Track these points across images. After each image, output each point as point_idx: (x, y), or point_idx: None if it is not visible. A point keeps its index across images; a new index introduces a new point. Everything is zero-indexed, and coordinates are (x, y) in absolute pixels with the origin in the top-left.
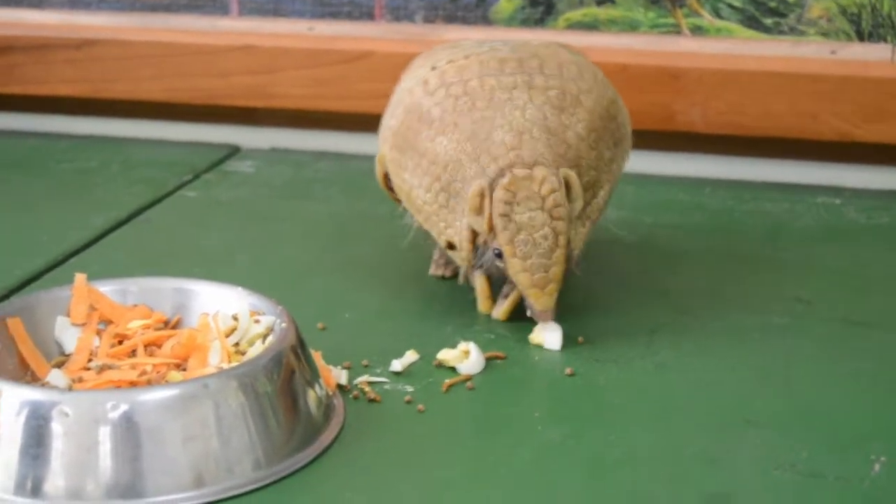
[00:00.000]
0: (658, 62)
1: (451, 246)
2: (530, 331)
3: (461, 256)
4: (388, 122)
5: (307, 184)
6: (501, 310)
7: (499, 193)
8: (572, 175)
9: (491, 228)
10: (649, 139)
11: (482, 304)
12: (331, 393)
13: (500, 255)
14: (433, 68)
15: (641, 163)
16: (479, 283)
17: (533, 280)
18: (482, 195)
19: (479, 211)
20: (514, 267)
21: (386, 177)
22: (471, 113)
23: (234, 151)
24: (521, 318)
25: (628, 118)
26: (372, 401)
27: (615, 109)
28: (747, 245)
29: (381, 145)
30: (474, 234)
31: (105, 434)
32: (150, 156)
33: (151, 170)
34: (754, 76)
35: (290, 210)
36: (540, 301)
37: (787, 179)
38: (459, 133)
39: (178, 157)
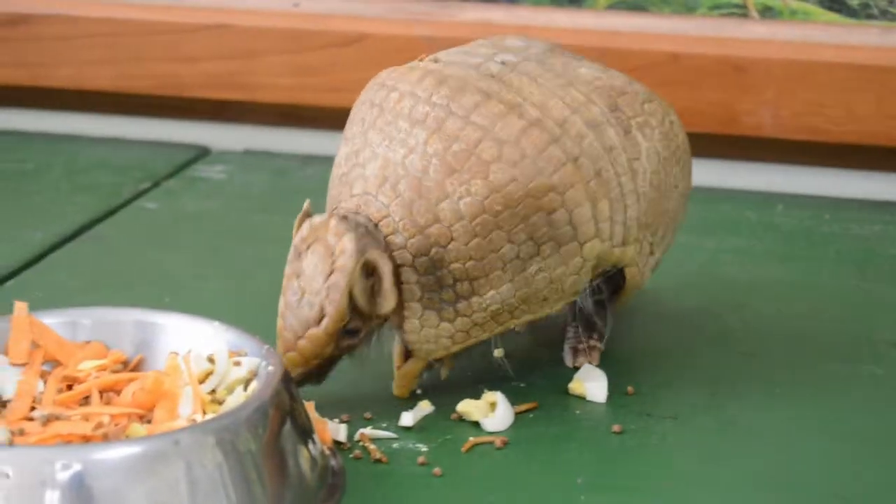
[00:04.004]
0: (719, 51)
1: None
2: (569, 378)
3: None
4: None
5: (291, 194)
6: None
7: (304, 227)
8: (382, 266)
9: None
10: (708, 145)
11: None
12: (327, 452)
13: None
14: (413, 65)
15: (698, 174)
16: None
17: (281, 333)
18: (303, 217)
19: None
20: (280, 305)
21: None
22: (368, 130)
23: (202, 153)
24: (558, 363)
25: (593, 217)
26: (377, 461)
27: (551, 201)
28: (829, 275)
29: None
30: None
31: (53, 499)
32: (99, 158)
33: (102, 175)
34: (836, 69)
35: (271, 226)
36: (283, 357)
37: (879, 195)
38: (351, 147)
39: (134, 160)
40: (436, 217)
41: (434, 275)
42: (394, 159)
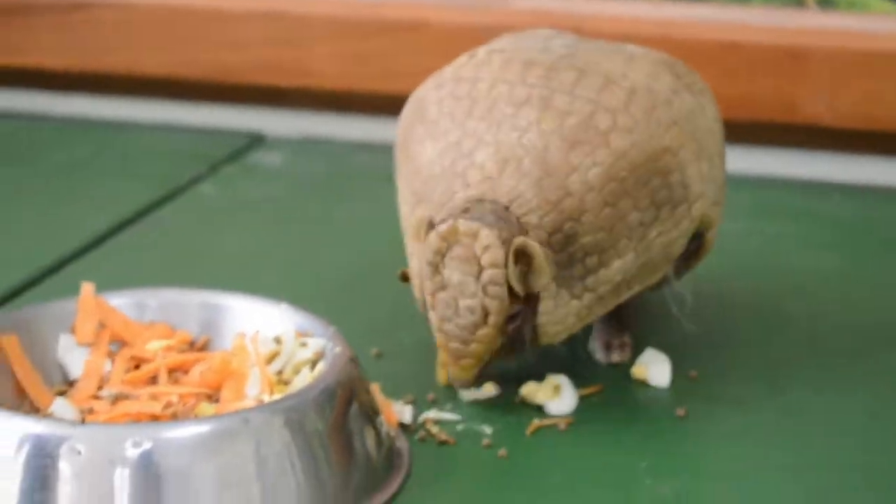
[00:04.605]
0: (776, 40)
1: (404, 277)
2: (632, 362)
3: (415, 294)
4: None
5: (346, 180)
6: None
7: (432, 238)
8: (533, 246)
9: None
10: (765, 133)
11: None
12: (393, 433)
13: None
14: (471, 56)
15: (756, 162)
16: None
17: (448, 347)
18: (426, 228)
19: (419, 240)
20: (433, 320)
21: None
22: (465, 121)
23: (257, 140)
24: None
25: (699, 176)
26: (443, 443)
27: (667, 163)
28: (886, 264)
29: None
30: None
31: (123, 477)
32: (155, 144)
33: (158, 161)
34: (893, 59)
35: (327, 211)
36: (452, 369)
37: None
38: (446, 141)
39: (189, 146)
40: (567, 191)
41: (567, 251)
42: (508, 142)
